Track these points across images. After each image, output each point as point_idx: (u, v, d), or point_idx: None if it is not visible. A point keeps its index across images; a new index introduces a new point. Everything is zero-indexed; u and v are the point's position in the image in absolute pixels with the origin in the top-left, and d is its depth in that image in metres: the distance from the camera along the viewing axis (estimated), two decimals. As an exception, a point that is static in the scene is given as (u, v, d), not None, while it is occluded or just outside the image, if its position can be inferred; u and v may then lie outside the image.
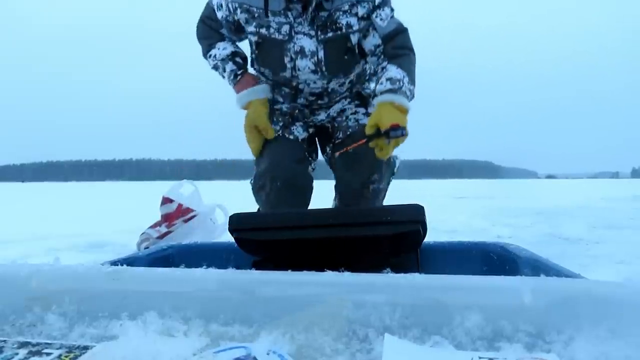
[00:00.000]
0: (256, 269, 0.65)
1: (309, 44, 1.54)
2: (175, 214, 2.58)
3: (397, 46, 1.54)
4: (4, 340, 0.42)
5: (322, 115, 1.73)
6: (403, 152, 1.63)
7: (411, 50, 1.56)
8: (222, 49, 1.66)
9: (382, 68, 1.55)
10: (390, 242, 0.72)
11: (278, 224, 0.73)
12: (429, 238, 0.83)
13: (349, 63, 1.60)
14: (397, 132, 1.38)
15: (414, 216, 0.69)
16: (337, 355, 0.40)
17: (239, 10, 1.55)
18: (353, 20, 1.51)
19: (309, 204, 1.68)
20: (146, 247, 2.22)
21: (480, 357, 0.38)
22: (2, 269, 0.55)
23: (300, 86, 1.64)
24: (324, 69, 1.57)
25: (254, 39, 1.59)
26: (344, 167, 1.63)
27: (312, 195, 1.68)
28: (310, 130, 1.76)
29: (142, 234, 2.54)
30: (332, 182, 1.72)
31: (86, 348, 0.40)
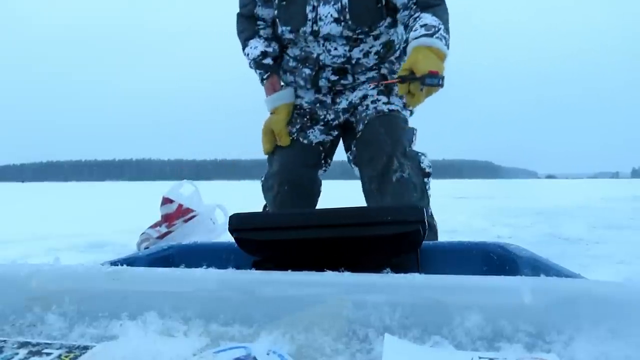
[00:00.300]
0: (256, 269, 0.65)
1: None
2: (176, 214, 2.58)
3: None
4: (4, 340, 0.42)
5: (344, 103, 1.67)
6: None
7: (444, 1, 1.49)
8: (254, 48, 1.66)
9: (415, 18, 1.46)
10: (390, 242, 0.72)
11: (278, 224, 0.74)
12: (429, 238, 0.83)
13: (376, 15, 1.51)
14: (433, 80, 1.26)
15: (414, 216, 0.69)
16: (337, 355, 0.40)
17: None
18: None
19: (315, 205, 1.67)
20: (146, 247, 2.23)
21: (480, 357, 0.38)
22: (2, 269, 0.55)
23: (321, 57, 1.57)
24: (347, 16, 1.48)
25: None
26: (361, 158, 1.57)
27: (320, 197, 1.67)
28: (334, 132, 1.71)
29: (142, 234, 2.54)
30: (345, 183, 1.71)
31: (86, 348, 0.40)
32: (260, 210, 1.67)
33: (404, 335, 0.42)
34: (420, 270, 0.73)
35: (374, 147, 1.52)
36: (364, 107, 1.63)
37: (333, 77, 1.62)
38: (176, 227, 2.55)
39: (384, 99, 1.62)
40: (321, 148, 1.69)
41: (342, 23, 1.49)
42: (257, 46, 1.65)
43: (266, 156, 1.71)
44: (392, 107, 1.60)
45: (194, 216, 2.60)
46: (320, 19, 1.50)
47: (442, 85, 1.29)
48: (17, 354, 0.39)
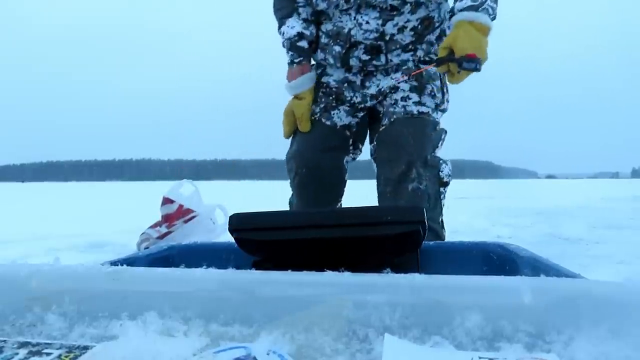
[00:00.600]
0: (256, 269, 0.65)
1: None
2: (176, 215, 2.58)
3: None
4: (4, 340, 0.42)
5: (373, 89, 1.56)
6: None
7: None
8: (290, 27, 1.56)
9: None
10: (390, 242, 0.72)
11: (278, 224, 0.73)
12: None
13: None
14: (470, 65, 1.22)
15: (414, 216, 0.69)
16: (337, 355, 0.40)
17: None
18: None
19: (340, 197, 1.61)
20: (146, 247, 2.23)
21: (480, 357, 0.38)
22: (2, 269, 0.55)
23: (353, 32, 1.47)
24: None
25: None
26: (380, 156, 1.51)
27: (346, 189, 1.61)
28: (360, 114, 1.61)
29: (142, 234, 2.54)
30: (364, 183, 1.66)
31: (86, 348, 0.40)
32: (261, 210, 1.64)
33: (404, 335, 0.42)
34: (420, 270, 0.73)
35: (395, 150, 1.45)
36: (393, 102, 1.52)
37: (365, 57, 1.51)
38: (176, 227, 2.55)
39: (415, 97, 1.51)
40: (347, 132, 1.59)
41: None
42: (294, 26, 1.56)
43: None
44: (423, 108, 1.50)
45: (194, 216, 2.60)
46: None
47: (478, 70, 1.24)
48: (17, 354, 0.39)
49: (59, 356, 0.38)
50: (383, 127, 1.52)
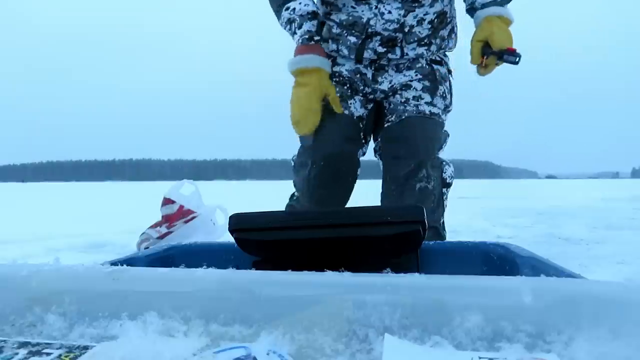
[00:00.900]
0: (256, 269, 0.65)
1: None
2: (176, 215, 2.58)
3: None
4: (4, 340, 0.42)
5: (385, 84, 1.52)
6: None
7: None
8: (304, 4, 1.41)
9: None
10: (390, 242, 0.72)
11: (278, 224, 0.73)
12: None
13: None
14: (512, 59, 1.27)
15: (414, 216, 0.69)
16: (337, 355, 0.40)
17: None
18: None
19: (350, 193, 1.53)
20: (146, 248, 2.23)
21: (480, 358, 0.38)
22: (2, 269, 0.55)
23: (372, 22, 1.43)
24: None
25: None
26: (388, 153, 1.46)
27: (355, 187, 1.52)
28: (369, 106, 1.55)
29: (142, 234, 2.54)
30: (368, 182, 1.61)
31: (86, 348, 0.40)
32: (261, 210, 1.61)
33: (404, 335, 0.42)
34: (420, 270, 0.73)
35: (406, 148, 1.42)
36: (404, 99, 1.49)
37: (380, 49, 1.46)
38: (176, 227, 2.55)
39: (427, 97, 1.50)
40: (361, 124, 1.52)
41: None
42: (308, 4, 1.42)
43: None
44: (434, 109, 1.50)
45: (194, 217, 2.60)
46: None
47: (517, 63, 1.29)
48: (17, 354, 0.39)
49: (59, 356, 0.38)
50: (390, 124, 1.49)
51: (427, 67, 1.53)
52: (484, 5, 1.37)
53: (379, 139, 1.54)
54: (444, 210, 1.53)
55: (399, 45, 1.48)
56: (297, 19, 1.41)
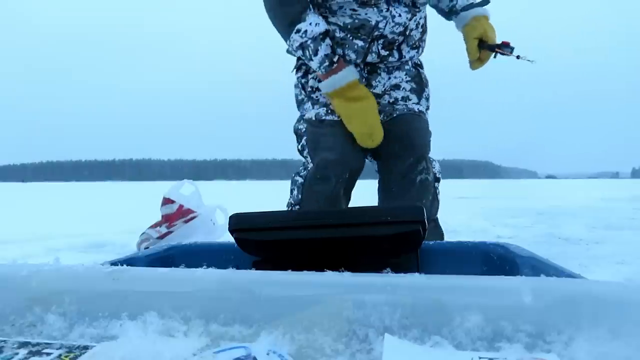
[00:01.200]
0: (256, 269, 0.65)
1: None
2: (176, 215, 2.58)
3: None
4: (4, 340, 0.42)
5: (379, 87, 1.54)
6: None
7: None
8: (315, 24, 1.38)
9: None
10: (390, 242, 0.72)
11: (278, 224, 0.73)
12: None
13: None
14: (509, 50, 1.44)
15: (414, 216, 0.69)
16: (337, 355, 0.40)
17: None
18: None
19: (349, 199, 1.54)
20: (146, 247, 2.23)
21: (480, 358, 0.38)
22: (2, 269, 0.55)
23: (380, 25, 1.43)
24: None
25: None
26: (387, 150, 1.47)
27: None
28: None
29: (142, 234, 2.54)
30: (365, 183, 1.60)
31: (86, 348, 0.40)
32: (261, 210, 1.61)
33: (404, 335, 0.42)
34: (420, 270, 0.73)
35: (403, 144, 1.45)
36: (392, 100, 1.53)
37: (383, 52, 1.48)
38: (176, 227, 2.55)
39: (414, 99, 1.55)
40: None
41: None
42: (319, 23, 1.39)
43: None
44: (421, 108, 1.56)
45: (194, 217, 2.60)
46: None
47: (512, 54, 1.45)
48: (17, 354, 0.39)
49: (59, 356, 0.38)
50: (383, 124, 1.50)
51: (414, 69, 1.59)
52: (466, 8, 1.50)
53: None
54: (438, 206, 1.58)
55: (396, 48, 1.51)
56: (311, 44, 1.39)
